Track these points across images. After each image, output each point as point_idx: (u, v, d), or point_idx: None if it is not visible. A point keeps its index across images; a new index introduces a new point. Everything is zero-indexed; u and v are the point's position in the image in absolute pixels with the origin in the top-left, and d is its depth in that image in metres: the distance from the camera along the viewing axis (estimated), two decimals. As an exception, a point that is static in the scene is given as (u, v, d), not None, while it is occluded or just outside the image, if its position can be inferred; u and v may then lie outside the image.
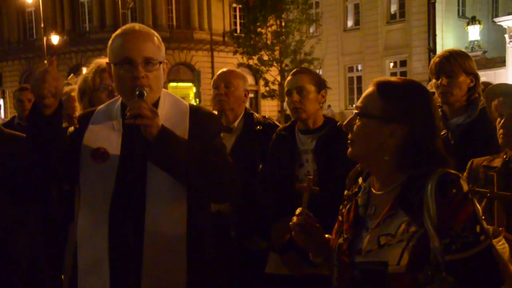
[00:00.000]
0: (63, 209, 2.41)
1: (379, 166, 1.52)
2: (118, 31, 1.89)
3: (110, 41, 1.89)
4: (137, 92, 1.75)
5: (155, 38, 1.89)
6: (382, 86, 1.52)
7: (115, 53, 1.85)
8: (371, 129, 1.49)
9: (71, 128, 2.17)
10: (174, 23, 29.90)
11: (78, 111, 2.62)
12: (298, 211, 1.63)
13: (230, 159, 1.93)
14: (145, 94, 1.76)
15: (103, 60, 2.61)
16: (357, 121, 1.53)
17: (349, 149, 1.55)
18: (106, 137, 1.88)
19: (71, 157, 1.85)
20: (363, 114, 1.51)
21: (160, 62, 1.87)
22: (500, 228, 1.76)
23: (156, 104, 1.87)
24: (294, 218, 1.62)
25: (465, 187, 1.39)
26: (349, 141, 1.55)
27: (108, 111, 1.96)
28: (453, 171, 1.42)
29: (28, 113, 1.77)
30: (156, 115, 1.69)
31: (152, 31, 1.92)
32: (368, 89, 1.55)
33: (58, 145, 1.79)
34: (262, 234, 2.90)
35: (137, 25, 1.90)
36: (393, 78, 1.55)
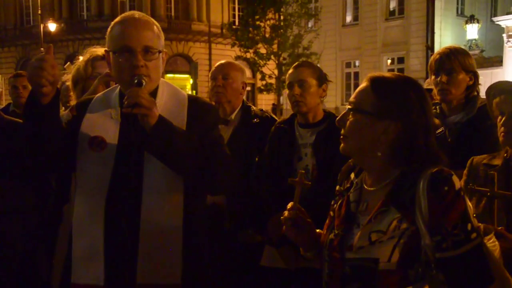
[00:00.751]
0: (58, 191, 2.41)
1: (371, 162, 1.51)
2: (118, 19, 1.87)
3: (109, 29, 1.87)
4: (136, 81, 1.74)
5: (155, 27, 1.87)
6: (376, 82, 1.50)
7: (114, 41, 1.83)
8: (364, 125, 1.48)
9: (64, 111, 2.16)
10: (173, 13, 29.75)
11: (73, 99, 2.61)
12: (289, 205, 1.63)
13: (228, 151, 1.92)
14: (144, 83, 1.74)
15: (98, 49, 2.60)
16: (350, 116, 1.52)
17: (342, 145, 1.54)
18: (103, 125, 1.86)
19: (68, 145, 1.83)
20: (356, 110, 1.50)
21: (160, 51, 1.85)
22: (500, 227, 1.75)
23: (154, 94, 1.86)
24: (286, 213, 1.62)
25: (457, 184, 1.39)
26: (342, 137, 1.54)
27: (106, 99, 1.94)
28: (445, 169, 1.41)
29: (25, 102, 1.74)
30: (154, 104, 1.68)
31: (152, 19, 1.90)
32: (362, 84, 1.54)
33: (55, 133, 1.77)
34: (257, 227, 2.90)
35: (136, 13, 1.87)
36: (387, 74, 1.54)
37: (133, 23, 1.82)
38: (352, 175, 1.63)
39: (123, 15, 1.88)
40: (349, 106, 1.53)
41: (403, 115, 1.45)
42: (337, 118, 1.56)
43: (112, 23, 1.88)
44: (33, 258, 2.32)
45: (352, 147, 1.52)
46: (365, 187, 1.55)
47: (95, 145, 1.82)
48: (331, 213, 1.64)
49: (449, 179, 1.38)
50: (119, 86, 1.92)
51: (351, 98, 1.54)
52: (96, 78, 2.55)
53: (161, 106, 1.82)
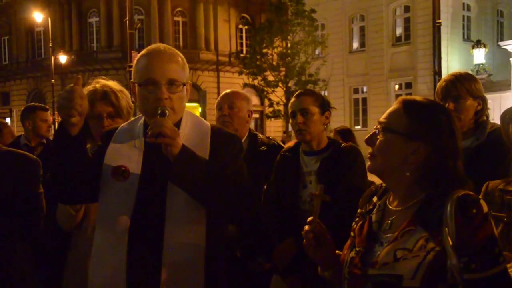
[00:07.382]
0: (59, 237, 2.38)
1: (398, 181, 1.52)
2: (144, 51, 1.89)
3: (135, 61, 1.90)
4: (159, 111, 1.75)
5: (180, 59, 1.88)
6: (408, 104, 1.53)
7: (139, 74, 1.84)
8: (394, 144, 1.50)
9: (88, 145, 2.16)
10: (181, 43, 30.18)
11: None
12: (309, 219, 1.63)
13: (250, 180, 1.92)
14: (167, 114, 1.76)
15: (109, 82, 2.59)
16: (380, 135, 1.53)
17: (369, 163, 1.56)
18: (127, 155, 1.87)
19: (93, 176, 1.84)
20: (387, 129, 1.52)
21: (184, 84, 1.86)
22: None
23: (178, 124, 1.87)
24: (306, 227, 1.61)
25: (485, 208, 1.39)
26: (369, 155, 1.56)
27: (130, 129, 1.95)
28: (472, 193, 1.42)
29: (54, 133, 1.77)
30: (177, 134, 1.69)
31: (177, 51, 1.90)
32: (393, 106, 1.56)
33: (82, 164, 1.79)
34: (266, 255, 2.87)
35: (162, 46, 1.89)
36: (418, 98, 1.57)
37: (158, 56, 1.83)
38: (375, 199, 1.64)
39: (148, 47, 1.90)
40: (379, 126, 1.54)
41: (434, 137, 1.47)
42: (366, 137, 1.57)
43: (138, 55, 1.90)
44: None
45: (380, 165, 1.54)
46: (390, 207, 1.55)
47: (118, 174, 1.81)
48: (352, 233, 1.64)
49: (477, 202, 1.39)
50: (144, 117, 1.93)
51: (382, 118, 1.56)
52: (93, 118, 2.34)
53: (184, 136, 1.83)
